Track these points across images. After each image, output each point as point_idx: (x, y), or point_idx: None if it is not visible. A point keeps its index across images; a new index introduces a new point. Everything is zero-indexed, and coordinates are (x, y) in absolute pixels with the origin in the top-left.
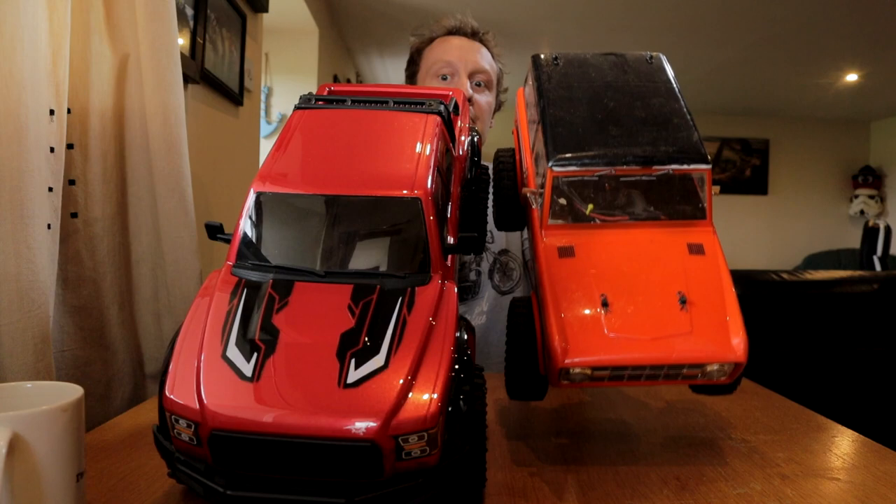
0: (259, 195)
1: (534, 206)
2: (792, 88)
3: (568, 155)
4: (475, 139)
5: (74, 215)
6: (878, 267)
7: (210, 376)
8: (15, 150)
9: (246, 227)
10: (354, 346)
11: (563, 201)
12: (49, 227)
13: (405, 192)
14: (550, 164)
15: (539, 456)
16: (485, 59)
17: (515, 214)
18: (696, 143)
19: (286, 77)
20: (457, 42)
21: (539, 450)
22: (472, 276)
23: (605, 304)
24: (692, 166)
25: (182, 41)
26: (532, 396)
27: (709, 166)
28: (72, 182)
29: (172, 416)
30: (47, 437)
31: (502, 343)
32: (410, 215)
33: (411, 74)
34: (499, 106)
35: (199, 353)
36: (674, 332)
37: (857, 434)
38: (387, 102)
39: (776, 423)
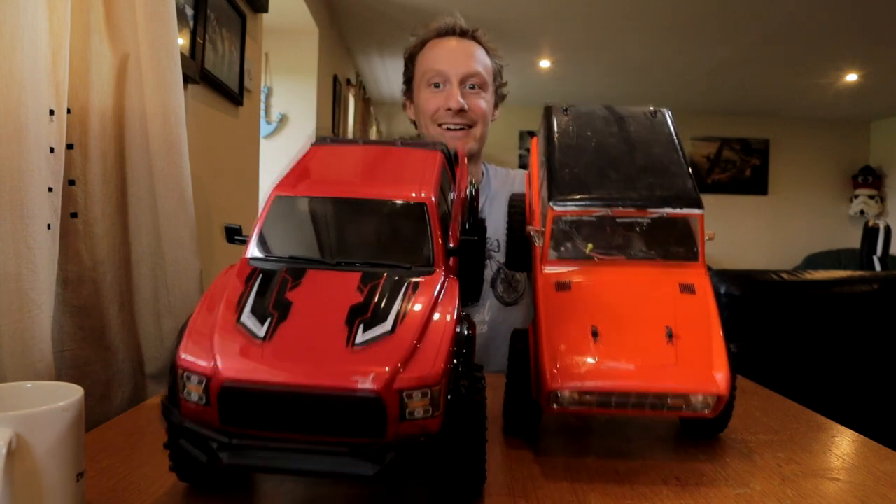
0: (278, 198)
1: (536, 244)
2: (792, 88)
3: (568, 196)
4: (473, 192)
5: (74, 215)
6: (878, 267)
7: (224, 338)
8: (15, 150)
9: (264, 226)
10: (362, 316)
11: (562, 239)
12: (49, 227)
13: (413, 196)
14: (551, 203)
15: (539, 456)
16: (477, 60)
17: (525, 255)
18: (691, 190)
19: (286, 77)
20: (448, 46)
21: (539, 450)
22: None
23: (595, 335)
24: (685, 210)
25: (182, 41)
26: (526, 429)
27: (701, 211)
28: (72, 182)
29: (185, 374)
30: (47, 437)
31: (502, 354)
32: (416, 217)
33: (407, 80)
34: (501, 98)
35: (215, 322)
36: (659, 363)
37: (857, 434)
38: (394, 142)
39: (776, 423)
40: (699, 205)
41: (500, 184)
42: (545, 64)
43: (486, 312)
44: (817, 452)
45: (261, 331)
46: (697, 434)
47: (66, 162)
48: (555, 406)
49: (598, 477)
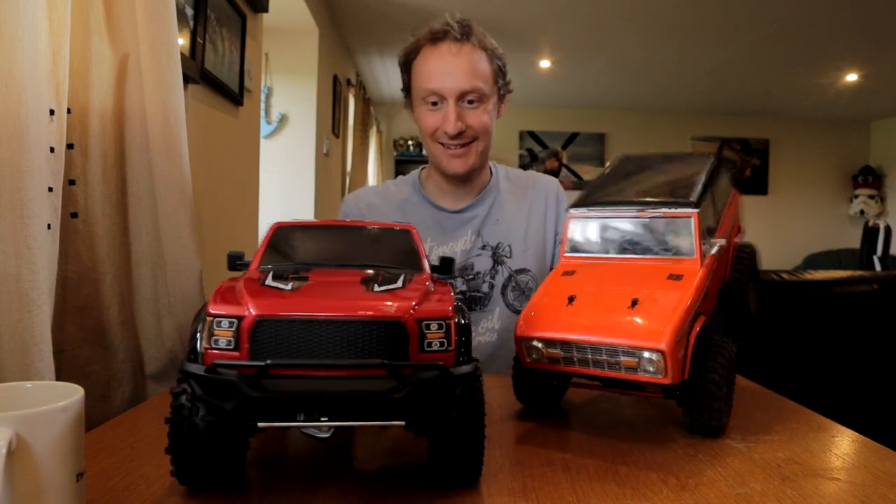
0: (279, 227)
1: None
2: (792, 88)
3: (581, 202)
4: None
5: (74, 215)
6: (878, 267)
7: (252, 292)
8: (15, 150)
9: (267, 249)
10: (375, 280)
11: (580, 238)
12: (49, 227)
13: (398, 228)
14: (568, 209)
15: (539, 456)
16: (474, 72)
17: None
18: (689, 195)
19: (286, 77)
20: (442, 58)
21: (539, 450)
22: (485, 287)
23: (570, 300)
24: (679, 210)
25: (182, 41)
26: (531, 395)
27: (695, 210)
28: (72, 182)
29: (214, 321)
30: (47, 437)
31: (510, 363)
32: (404, 238)
33: (405, 87)
34: (508, 92)
35: (239, 289)
36: (614, 321)
37: (857, 434)
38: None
39: (776, 423)
40: (693, 206)
41: (514, 186)
42: (545, 64)
43: (496, 320)
44: (817, 452)
45: (287, 287)
46: (700, 432)
47: (66, 162)
48: (528, 360)
49: (598, 477)
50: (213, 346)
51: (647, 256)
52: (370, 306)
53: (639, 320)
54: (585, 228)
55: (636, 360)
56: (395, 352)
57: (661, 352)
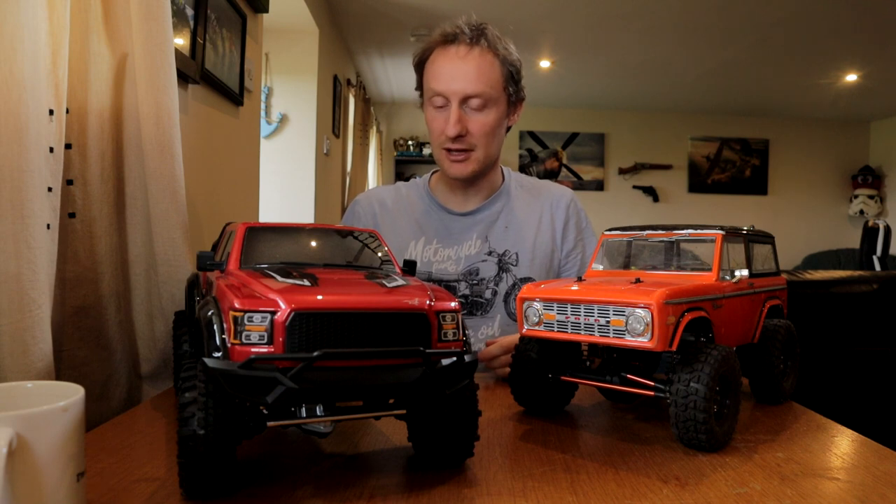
0: (248, 229)
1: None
2: (792, 88)
3: (618, 227)
4: None
5: (72, 215)
6: (877, 267)
7: (275, 287)
8: (15, 149)
9: (242, 249)
10: (379, 278)
11: (611, 256)
12: (48, 227)
13: (364, 231)
14: (604, 231)
15: (539, 456)
16: (481, 77)
17: None
18: (712, 225)
19: (286, 77)
20: (451, 62)
21: (539, 450)
22: (488, 294)
23: (579, 279)
24: (704, 232)
25: (182, 41)
26: (532, 395)
27: (718, 232)
28: (70, 182)
29: (246, 315)
30: (47, 437)
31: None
32: (372, 240)
33: (419, 88)
34: (521, 100)
35: (252, 286)
36: (612, 289)
37: (857, 434)
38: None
39: (776, 423)
40: (716, 228)
41: (527, 195)
42: (545, 64)
43: (496, 328)
44: (817, 452)
45: (304, 282)
46: (691, 446)
47: (64, 162)
48: (526, 327)
49: (598, 477)
50: (245, 341)
51: (668, 272)
52: (395, 301)
53: (632, 291)
54: (615, 248)
55: (625, 318)
56: (421, 342)
57: (649, 309)
